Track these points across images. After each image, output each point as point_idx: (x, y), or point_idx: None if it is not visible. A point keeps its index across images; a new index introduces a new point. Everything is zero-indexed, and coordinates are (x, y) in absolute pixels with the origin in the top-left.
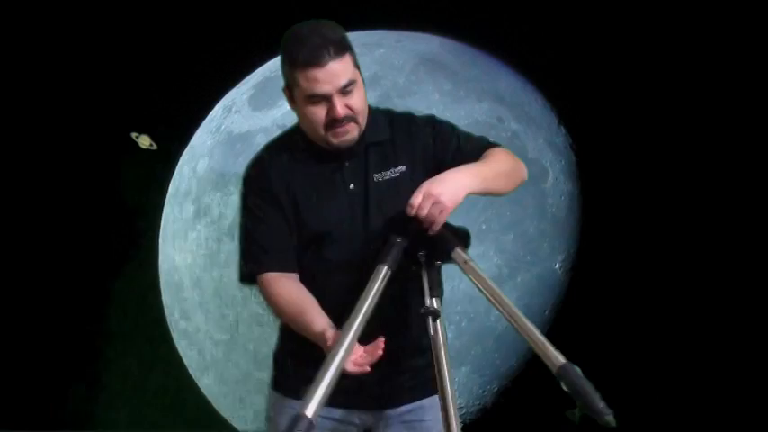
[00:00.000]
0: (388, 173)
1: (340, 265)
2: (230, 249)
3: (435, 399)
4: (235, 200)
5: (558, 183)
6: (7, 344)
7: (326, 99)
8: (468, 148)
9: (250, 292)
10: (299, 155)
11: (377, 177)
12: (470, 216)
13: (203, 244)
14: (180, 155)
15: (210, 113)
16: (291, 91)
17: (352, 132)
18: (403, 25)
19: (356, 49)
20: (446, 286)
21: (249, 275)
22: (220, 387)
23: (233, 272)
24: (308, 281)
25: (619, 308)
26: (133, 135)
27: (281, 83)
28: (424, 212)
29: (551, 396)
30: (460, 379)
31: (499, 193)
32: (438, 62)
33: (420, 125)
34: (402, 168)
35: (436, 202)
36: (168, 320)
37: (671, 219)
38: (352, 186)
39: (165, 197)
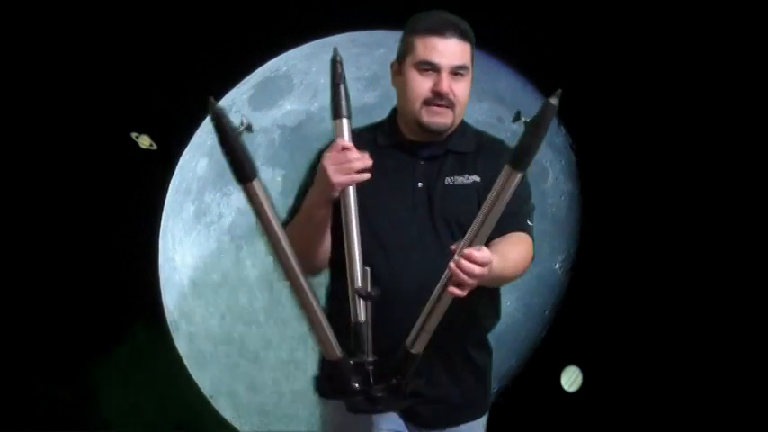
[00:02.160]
0: (461, 178)
1: (387, 250)
2: (230, 249)
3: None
4: (235, 200)
5: (558, 183)
6: (7, 344)
7: (436, 72)
8: (511, 221)
9: (250, 292)
10: (380, 142)
11: (449, 180)
12: None
13: (203, 244)
14: (180, 155)
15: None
16: (402, 61)
17: (445, 117)
18: (403, 25)
19: (356, 49)
20: None
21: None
22: (220, 387)
23: (233, 271)
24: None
25: (619, 308)
26: (133, 135)
27: (281, 83)
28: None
29: (551, 396)
30: None
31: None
32: None
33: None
34: (476, 179)
35: (473, 283)
36: (168, 320)
37: (671, 219)
38: (420, 185)
39: (165, 197)
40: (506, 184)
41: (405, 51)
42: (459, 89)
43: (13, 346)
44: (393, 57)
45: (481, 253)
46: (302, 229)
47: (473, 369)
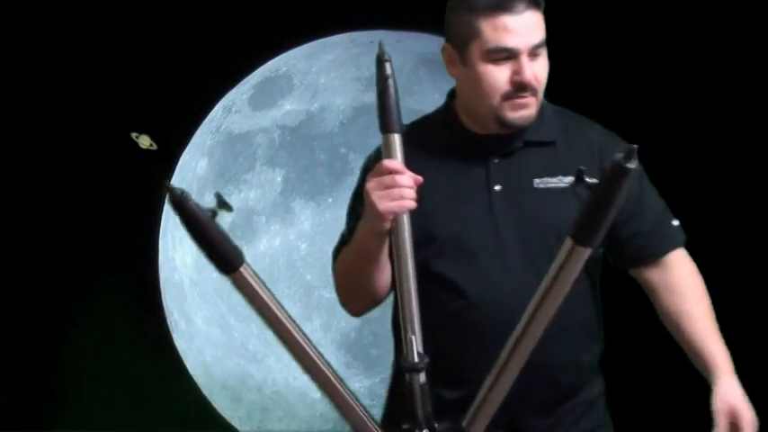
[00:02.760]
0: (554, 180)
1: (460, 288)
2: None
3: None
4: (235, 200)
5: None
6: (6, 344)
7: (513, 57)
8: (647, 234)
9: None
10: (437, 140)
11: (538, 182)
12: None
13: None
14: (180, 155)
15: (210, 113)
16: (463, 48)
17: (530, 108)
18: (403, 25)
19: (356, 50)
20: None
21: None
22: (220, 387)
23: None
24: (434, 309)
25: (619, 308)
26: (133, 135)
27: (281, 83)
28: None
29: None
30: None
31: None
32: (438, 62)
33: (604, 142)
34: (571, 179)
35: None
36: (168, 320)
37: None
38: (497, 188)
39: (165, 197)
40: (569, 261)
41: (465, 35)
42: (541, 70)
43: (13, 346)
44: (393, 56)
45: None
46: (354, 263)
47: (585, 407)
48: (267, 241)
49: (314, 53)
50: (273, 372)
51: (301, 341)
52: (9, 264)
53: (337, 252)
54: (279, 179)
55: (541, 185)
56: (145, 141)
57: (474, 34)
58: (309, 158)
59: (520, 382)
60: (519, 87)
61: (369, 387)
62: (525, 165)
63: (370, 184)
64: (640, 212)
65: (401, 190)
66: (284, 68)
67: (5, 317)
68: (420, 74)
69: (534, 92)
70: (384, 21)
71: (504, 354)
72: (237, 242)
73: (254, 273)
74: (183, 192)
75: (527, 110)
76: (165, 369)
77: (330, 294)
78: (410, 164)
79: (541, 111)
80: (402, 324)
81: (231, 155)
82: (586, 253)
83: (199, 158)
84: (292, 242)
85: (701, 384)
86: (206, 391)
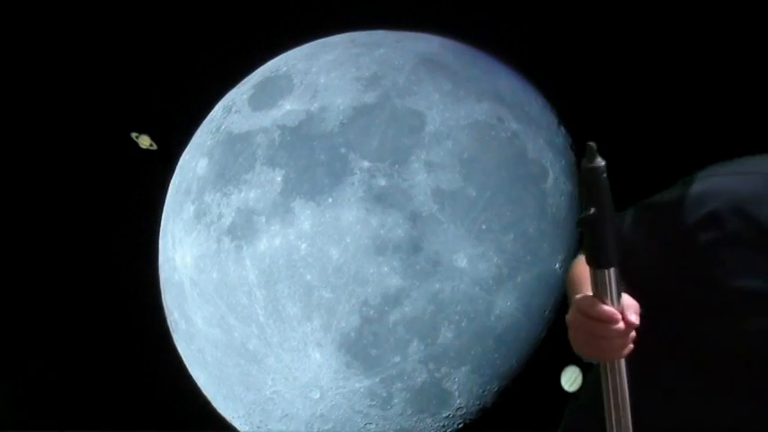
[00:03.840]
0: None
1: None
2: (230, 249)
3: None
4: (235, 200)
5: (558, 183)
6: (6, 344)
7: None
8: None
9: (250, 292)
10: (762, 218)
11: None
12: (470, 216)
13: (203, 244)
14: (180, 155)
15: (210, 113)
16: None
17: None
18: (403, 25)
19: (356, 50)
20: (446, 285)
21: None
22: (220, 387)
23: (233, 271)
24: (689, 369)
25: None
26: (133, 135)
27: (281, 83)
28: None
29: (551, 396)
30: (460, 379)
31: None
32: (438, 62)
33: None
34: None
35: None
36: (168, 320)
37: None
38: None
39: (165, 197)
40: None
41: None
42: None
43: (12, 346)
44: (393, 57)
45: None
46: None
47: None
48: (267, 241)
49: (314, 53)
50: (273, 372)
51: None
52: (9, 264)
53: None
54: (279, 179)
55: None
56: (145, 141)
57: None
58: (309, 158)
59: None
60: None
61: (369, 387)
62: None
63: (574, 320)
64: None
65: (611, 342)
66: (284, 68)
67: (5, 317)
68: (420, 74)
69: None
70: (384, 21)
71: None
72: (237, 242)
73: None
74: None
75: None
76: (165, 369)
77: (330, 294)
78: (731, 213)
79: None
80: None
81: (231, 155)
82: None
83: (199, 158)
84: (292, 242)
85: None
86: (206, 391)
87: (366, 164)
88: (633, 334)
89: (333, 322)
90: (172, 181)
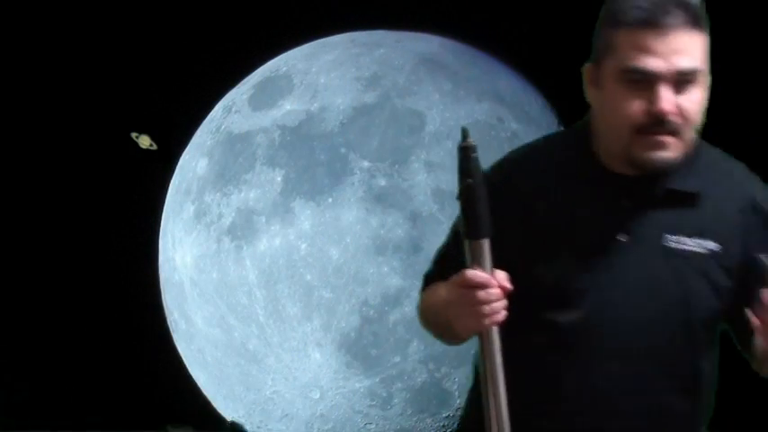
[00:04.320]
0: (691, 242)
1: (581, 349)
2: (230, 249)
3: None
4: (235, 200)
5: None
6: (7, 344)
7: (651, 83)
8: None
9: (250, 292)
10: (566, 170)
11: (672, 241)
12: None
13: (203, 244)
14: (180, 155)
15: (210, 113)
16: (600, 64)
17: (670, 150)
18: (403, 25)
19: (356, 50)
20: None
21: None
22: (220, 387)
23: (233, 271)
24: (531, 364)
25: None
26: (133, 135)
27: (281, 83)
28: None
29: None
30: (460, 379)
31: None
32: (438, 62)
33: (758, 201)
34: (712, 246)
35: None
36: (168, 320)
37: None
38: (623, 240)
39: (165, 197)
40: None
41: (603, 50)
42: (689, 104)
43: (12, 345)
44: (393, 57)
45: None
46: (437, 324)
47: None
48: (267, 241)
49: (314, 53)
50: (273, 372)
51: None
52: (9, 264)
53: (424, 282)
54: (279, 179)
55: (674, 245)
56: (145, 141)
57: (611, 50)
58: (309, 158)
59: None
60: (655, 121)
61: (368, 387)
62: (661, 217)
63: (452, 297)
64: None
65: (487, 307)
66: (284, 68)
67: (5, 317)
68: (420, 74)
69: (676, 130)
70: (384, 21)
71: None
72: (237, 242)
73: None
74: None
75: (663, 151)
76: (166, 369)
77: (330, 294)
78: (525, 195)
79: (697, 153)
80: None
81: (231, 155)
82: None
83: (199, 158)
84: (292, 242)
85: None
86: (206, 391)
87: (366, 164)
88: (506, 302)
89: (333, 322)
90: (172, 181)
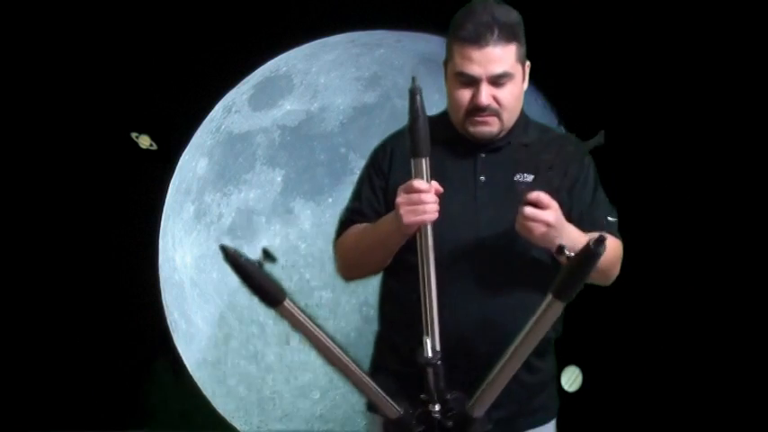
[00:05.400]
0: (530, 177)
1: (442, 261)
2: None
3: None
4: (235, 200)
5: None
6: (6, 344)
7: (475, 82)
8: (589, 219)
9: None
10: (435, 136)
11: (519, 177)
12: None
13: (203, 244)
14: (180, 155)
15: (210, 113)
16: (446, 64)
17: (491, 126)
18: (403, 25)
19: (356, 50)
20: None
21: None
22: (220, 387)
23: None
24: (404, 275)
25: (619, 307)
26: (133, 135)
27: (281, 83)
28: (533, 221)
29: None
30: None
31: None
32: (438, 62)
33: (573, 153)
34: (554, 181)
35: (542, 231)
36: (168, 320)
37: (671, 219)
38: (483, 179)
39: (165, 197)
40: (547, 311)
41: (447, 56)
42: (504, 95)
43: (12, 346)
44: (393, 57)
45: (544, 202)
46: (371, 249)
47: (535, 376)
48: (267, 241)
49: (314, 53)
50: (273, 372)
51: (336, 352)
52: (9, 264)
53: (343, 227)
54: (279, 179)
55: (520, 179)
56: (145, 141)
57: (450, 57)
58: (309, 158)
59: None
60: (477, 108)
61: None
62: (508, 162)
63: (400, 199)
64: (587, 213)
65: (426, 206)
66: (284, 68)
67: (5, 317)
68: (420, 74)
69: (494, 112)
70: (384, 21)
71: (502, 359)
72: (237, 242)
73: (296, 304)
74: (235, 250)
75: (487, 127)
76: (165, 369)
77: (330, 294)
78: (406, 157)
79: (527, 122)
80: (425, 323)
81: (231, 155)
82: (560, 306)
83: (199, 158)
84: (292, 242)
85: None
86: (206, 391)
87: None
88: (437, 206)
89: (333, 322)
90: (172, 181)
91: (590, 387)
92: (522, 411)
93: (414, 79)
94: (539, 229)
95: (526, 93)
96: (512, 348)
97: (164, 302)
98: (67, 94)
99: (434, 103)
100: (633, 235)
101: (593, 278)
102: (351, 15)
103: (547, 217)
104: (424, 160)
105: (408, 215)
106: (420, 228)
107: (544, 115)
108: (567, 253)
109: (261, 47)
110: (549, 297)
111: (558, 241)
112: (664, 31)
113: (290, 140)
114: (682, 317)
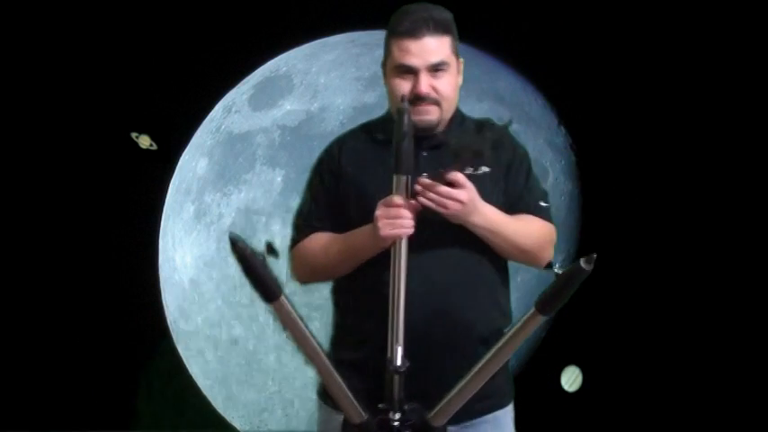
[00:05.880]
0: (469, 170)
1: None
2: (230, 249)
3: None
4: (235, 200)
5: (558, 183)
6: (6, 344)
7: (413, 73)
8: (522, 203)
9: (250, 292)
10: (378, 137)
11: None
12: None
13: (203, 244)
14: (180, 155)
15: (210, 113)
16: (385, 62)
17: (431, 114)
18: None
19: (356, 50)
20: None
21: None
22: (220, 387)
23: (233, 271)
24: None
25: (619, 308)
26: (133, 135)
27: (281, 83)
28: (447, 198)
29: (551, 396)
30: None
31: (500, 253)
32: None
33: (507, 142)
34: (486, 169)
35: (457, 208)
36: (168, 320)
37: (671, 218)
38: (425, 175)
39: (165, 197)
40: (528, 323)
41: (386, 52)
42: (442, 84)
43: (12, 346)
44: None
45: (459, 182)
46: (341, 260)
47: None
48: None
49: (314, 53)
50: (273, 372)
51: (318, 352)
52: (9, 264)
53: (300, 232)
54: (279, 179)
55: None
56: (145, 141)
57: (389, 53)
58: (309, 158)
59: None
60: (417, 97)
61: None
62: (448, 158)
63: (379, 212)
64: (520, 197)
65: (403, 220)
66: (284, 68)
67: (4, 317)
68: None
69: (434, 101)
70: (384, 21)
71: (473, 370)
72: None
73: (290, 302)
74: (243, 241)
75: (427, 115)
76: (166, 369)
77: (328, 294)
78: (351, 160)
79: (462, 118)
80: (390, 331)
81: (231, 155)
82: (542, 320)
83: (199, 158)
84: None
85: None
86: (206, 391)
87: None
88: (413, 222)
89: (330, 321)
90: (172, 181)
91: (590, 387)
92: (475, 396)
93: (403, 97)
94: (454, 206)
95: (526, 92)
96: (484, 360)
97: (164, 302)
98: (68, 95)
99: None
100: (633, 235)
101: (522, 259)
102: (351, 15)
103: (460, 196)
104: (404, 178)
105: (386, 228)
106: (395, 241)
107: (544, 115)
108: (556, 270)
109: (261, 47)
110: (532, 310)
111: (472, 219)
112: (663, 31)
113: (290, 140)
114: (681, 317)
